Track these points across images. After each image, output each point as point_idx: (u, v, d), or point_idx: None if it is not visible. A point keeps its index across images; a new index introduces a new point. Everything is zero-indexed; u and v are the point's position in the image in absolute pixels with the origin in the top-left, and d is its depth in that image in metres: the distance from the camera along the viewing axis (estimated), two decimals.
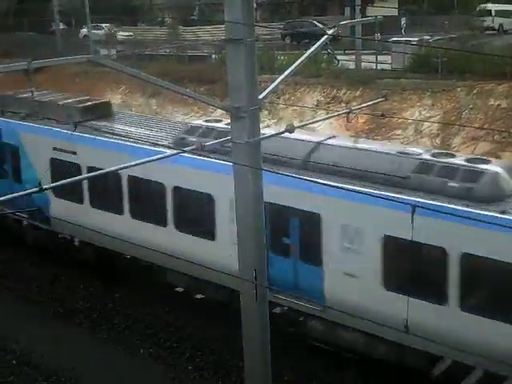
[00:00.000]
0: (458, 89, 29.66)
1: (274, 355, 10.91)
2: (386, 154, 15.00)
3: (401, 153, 14.90)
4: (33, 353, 16.95)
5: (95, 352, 16.96)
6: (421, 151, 15.07)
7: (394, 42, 36.81)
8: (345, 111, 12.45)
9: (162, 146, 16.78)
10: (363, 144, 17.55)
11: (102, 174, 10.28)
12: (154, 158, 9.67)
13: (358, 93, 31.86)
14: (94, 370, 16.22)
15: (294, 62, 10.94)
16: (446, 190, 13.48)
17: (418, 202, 13.05)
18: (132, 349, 17.03)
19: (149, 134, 18.86)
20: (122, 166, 9.34)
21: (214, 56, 41.32)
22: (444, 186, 13.58)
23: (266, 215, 14.20)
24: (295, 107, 31.74)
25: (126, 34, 54.07)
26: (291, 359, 15.77)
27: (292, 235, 15.45)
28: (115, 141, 17.96)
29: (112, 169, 9.54)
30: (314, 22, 52.45)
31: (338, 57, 38.64)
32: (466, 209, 12.81)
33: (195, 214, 17.01)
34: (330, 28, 12.72)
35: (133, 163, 9.39)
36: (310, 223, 14.98)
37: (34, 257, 21.62)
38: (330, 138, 16.65)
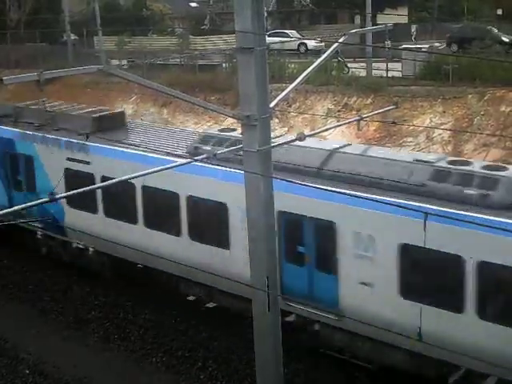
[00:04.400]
0: (469, 95, 29.56)
1: None
2: None
3: None
4: (45, 362, 16.98)
5: (107, 361, 16.95)
6: None
7: (405, 49, 36.78)
8: (356, 119, 12.36)
9: (176, 155, 15.73)
10: None
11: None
12: (168, 166, 9.68)
13: (369, 100, 31.80)
14: (106, 380, 16.21)
15: (305, 71, 10.96)
16: None
17: None
18: (144, 358, 17.00)
19: (163, 144, 18.56)
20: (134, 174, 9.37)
21: (224, 65, 41.41)
22: None
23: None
24: (306, 115, 31.71)
25: None
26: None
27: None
28: (130, 151, 17.75)
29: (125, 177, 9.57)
30: (491, 27, 42.41)
31: (349, 64, 38.63)
32: None
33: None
34: None
35: (146, 171, 9.43)
36: None
37: (46, 267, 21.68)
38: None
